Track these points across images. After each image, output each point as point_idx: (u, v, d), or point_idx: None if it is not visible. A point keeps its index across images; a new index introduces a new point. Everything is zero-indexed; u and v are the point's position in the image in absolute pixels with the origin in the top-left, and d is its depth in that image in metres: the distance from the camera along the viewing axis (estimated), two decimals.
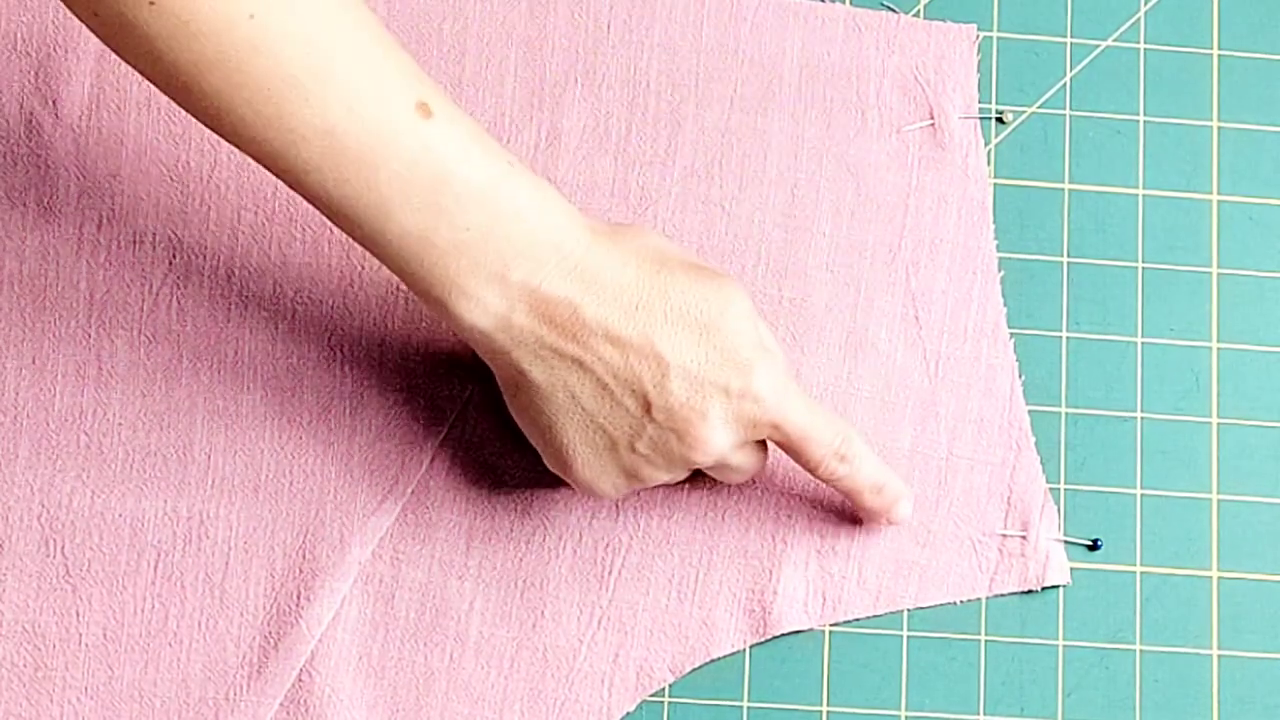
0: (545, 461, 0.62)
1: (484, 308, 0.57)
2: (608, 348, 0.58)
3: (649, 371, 0.58)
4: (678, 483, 0.65)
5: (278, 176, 0.56)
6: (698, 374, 0.58)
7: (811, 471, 0.62)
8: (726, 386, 0.58)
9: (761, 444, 0.62)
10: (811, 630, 0.66)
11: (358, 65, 0.54)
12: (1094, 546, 0.67)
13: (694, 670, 0.66)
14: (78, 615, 0.65)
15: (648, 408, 0.58)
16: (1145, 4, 0.71)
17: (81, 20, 0.54)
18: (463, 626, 0.65)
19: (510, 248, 0.56)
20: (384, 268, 0.66)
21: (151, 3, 0.51)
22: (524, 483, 0.66)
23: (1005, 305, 0.69)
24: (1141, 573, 0.67)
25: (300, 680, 0.65)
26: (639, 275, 0.58)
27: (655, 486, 0.64)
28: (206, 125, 0.55)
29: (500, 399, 0.66)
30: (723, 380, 0.58)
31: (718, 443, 0.59)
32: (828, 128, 0.69)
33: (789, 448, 0.61)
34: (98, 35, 0.54)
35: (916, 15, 0.70)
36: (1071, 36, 0.71)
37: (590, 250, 0.58)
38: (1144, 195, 0.70)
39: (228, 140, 0.55)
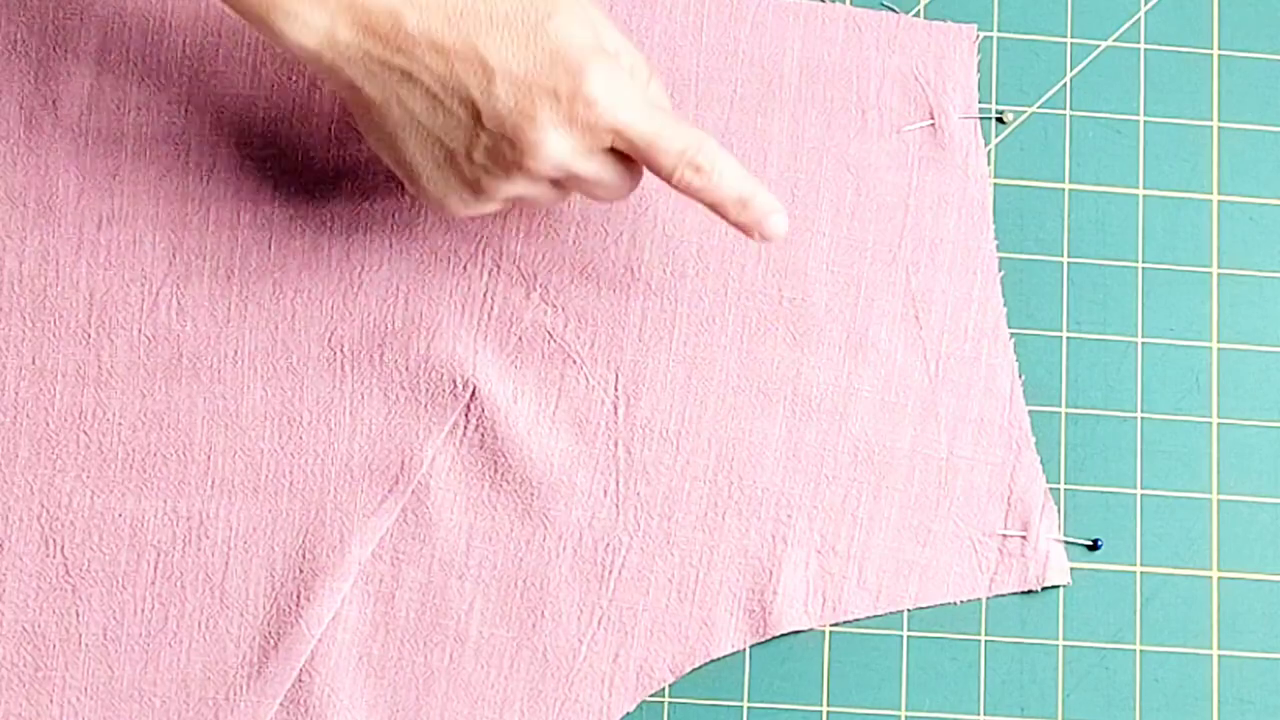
0: (403, 183, 0.61)
1: (306, 26, 0.56)
2: (433, 56, 0.57)
3: (474, 78, 0.57)
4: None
5: None
6: (524, 78, 0.56)
7: (666, 182, 0.59)
8: (555, 89, 0.57)
9: (623, 157, 0.59)
10: (811, 630, 0.66)
11: None
12: (1094, 546, 0.67)
13: (694, 670, 0.66)
14: (77, 615, 0.65)
15: (477, 116, 0.57)
16: (1145, 4, 0.71)
17: None
18: (463, 626, 0.65)
19: None
20: (384, 267, 0.66)
21: None
22: (524, 483, 0.66)
23: (1005, 305, 0.69)
24: (1141, 573, 0.67)
25: (300, 680, 0.64)
26: None
27: (513, 207, 0.63)
28: None
29: (500, 399, 0.66)
30: (550, 83, 0.57)
31: (552, 149, 0.57)
32: (828, 128, 0.69)
33: (638, 157, 0.58)
34: None
35: (916, 15, 0.70)
36: (1071, 36, 0.71)
37: None
38: (1144, 195, 0.70)
39: None
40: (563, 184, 0.60)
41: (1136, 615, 0.67)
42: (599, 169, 0.59)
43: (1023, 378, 0.68)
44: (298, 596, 0.65)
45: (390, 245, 0.67)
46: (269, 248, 0.67)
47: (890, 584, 0.66)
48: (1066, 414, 0.68)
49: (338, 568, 0.65)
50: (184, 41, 0.67)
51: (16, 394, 0.66)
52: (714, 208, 0.60)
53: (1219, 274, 0.69)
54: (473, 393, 0.66)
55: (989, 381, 0.68)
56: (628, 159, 0.59)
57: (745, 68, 0.69)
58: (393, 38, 0.56)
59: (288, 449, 0.66)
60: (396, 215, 0.67)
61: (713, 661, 0.66)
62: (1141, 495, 0.68)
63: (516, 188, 0.59)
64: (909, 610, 0.67)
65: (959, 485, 0.67)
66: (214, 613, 0.65)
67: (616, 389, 0.67)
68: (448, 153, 0.58)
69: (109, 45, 0.67)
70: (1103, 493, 0.68)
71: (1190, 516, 0.68)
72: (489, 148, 0.57)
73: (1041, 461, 0.68)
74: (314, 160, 0.67)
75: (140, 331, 0.66)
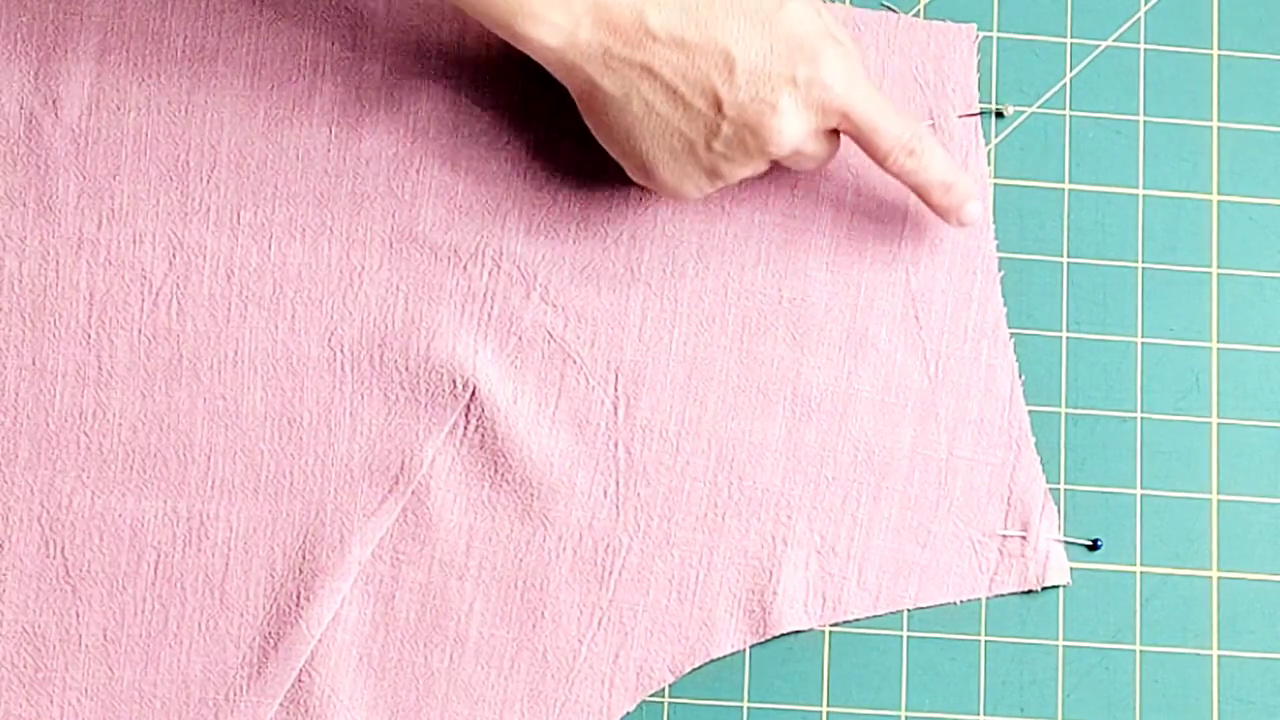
0: (628, 172, 0.63)
1: (551, 27, 0.58)
2: (674, 52, 0.59)
3: (716, 71, 0.59)
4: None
5: None
6: (764, 67, 0.59)
7: (880, 163, 0.63)
8: (794, 76, 0.59)
9: (834, 133, 0.63)
10: (811, 630, 0.66)
11: None
12: (1094, 546, 0.67)
13: (694, 670, 0.66)
14: (78, 616, 0.65)
15: (719, 106, 0.59)
16: (1145, 4, 0.71)
17: None
18: (463, 627, 0.65)
19: None
20: (384, 267, 0.66)
21: None
22: (524, 483, 0.66)
23: (1005, 305, 0.69)
24: (1141, 573, 0.67)
25: (300, 680, 0.65)
26: None
27: (738, 182, 0.65)
28: None
29: (500, 399, 0.66)
30: (789, 70, 0.59)
31: (791, 133, 0.60)
32: None
33: (858, 138, 0.62)
34: None
35: (916, 15, 0.70)
36: (1071, 36, 0.71)
37: None
38: (1144, 195, 0.70)
39: None
40: (781, 159, 0.63)
41: (1136, 615, 0.67)
42: (818, 146, 0.63)
43: (1023, 378, 0.68)
44: (298, 597, 0.65)
45: (390, 245, 0.67)
46: (269, 248, 0.67)
47: (890, 584, 0.66)
48: (1066, 414, 0.68)
49: (338, 568, 0.65)
50: (184, 41, 0.67)
51: (16, 394, 0.66)
52: (919, 189, 0.64)
53: (1219, 274, 0.69)
54: (473, 393, 0.66)
55: (989, 381, 0.68)
56: (835, 133, 0.63)
57: None
58: (634, 34, 0.59)
59: (288, 449, 0.66)
60: (396, 215, 0.67)
61: (713, 661, 0.66)
62: (1141, 495, 0.68)
63: (750, 169, 0.62)
64: (909, 610, 0.67)
65: (959, 485, 0.67)
66: (214, 613, 0.65)
67: (616, 389, 0.67)
68: (687, 143, 0.61)
69: (109, 45, 0.67)
70: (1103, 493, 0.68)
71: (1190, 516, 0.68)
72: (729, 136, 0.60)
73: (1041, 461, 0.68)
74: (314, 160, 0.67)
75: (140, 331, 0.66)
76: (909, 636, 0.67)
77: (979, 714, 0.66)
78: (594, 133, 0.63)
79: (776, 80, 0.59)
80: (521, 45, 0.60)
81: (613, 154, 0.63)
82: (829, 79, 0.60)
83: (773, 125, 0.60)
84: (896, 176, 0.63)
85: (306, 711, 0.64)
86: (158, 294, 0.66)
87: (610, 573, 0.66)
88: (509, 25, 0.59)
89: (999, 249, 0.69)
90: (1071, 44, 0.70)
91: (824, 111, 0.60)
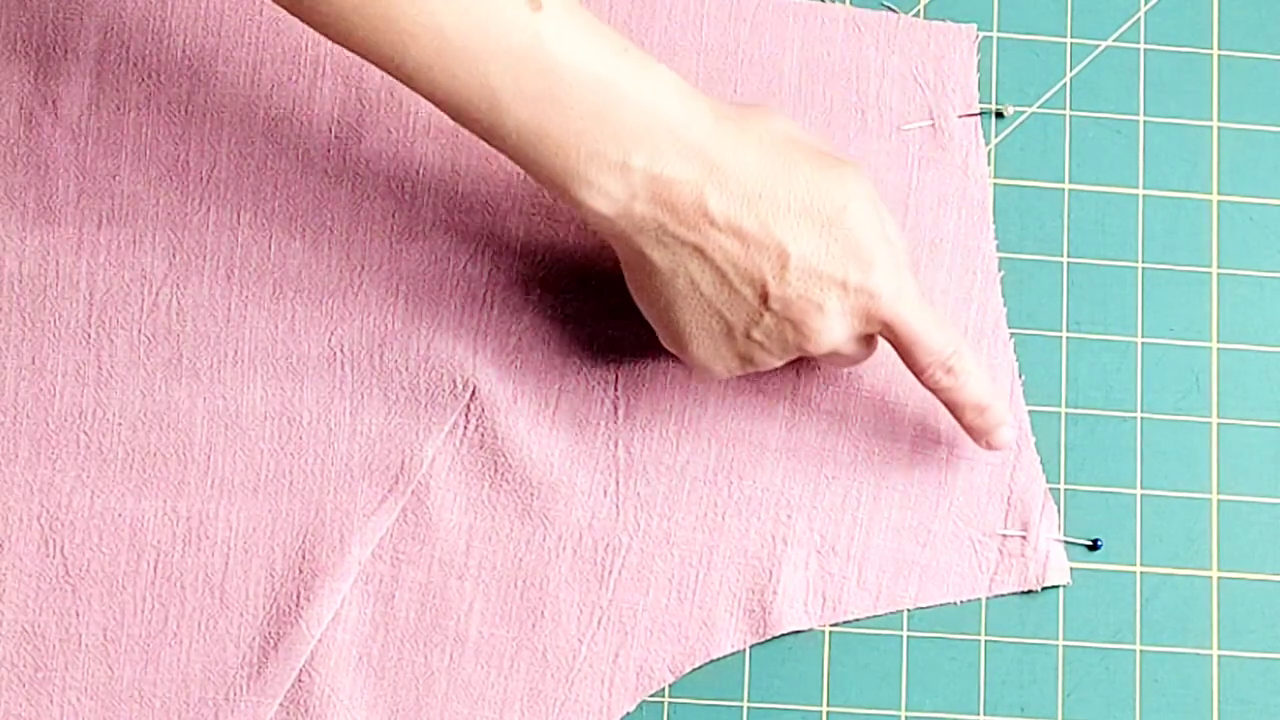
0: (661, 339, 0.62)
1: (606, 195, 0.57)
2: (729, 238, 0.58)
3: (769, 263, 0.58)
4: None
5: (392, 75, 0.56)
6: (817, 267, 0.58)
7: (916, 376, 0.62)
8: (845, 280, 0.59)
9: (872, 336, 0.62)
10: (811, 630, 0.66)
11: None
12: (1094, 546, 0.67)
13: (694, 670, 0.66)
14: (77, 616, 0.65)
15: (765, 298, 0.58)
16: (1145, 4, 0.71)
17: None
18: (463, 626, 0.65)
19: (628, 135, 0.56)
20: (384, 267, 0.66)
21: None
22: (524, 483, 0.66)
23: (1005, 305, 0.69)
24: (1141, 573, 0.67)
25: (300, 680, 0.64)
26: (761, 162, 0.58)
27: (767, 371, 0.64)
28: (318, 31, 0.56)
29: (500, 399, 0.66)
30: (841, 274, 0.58)
31: (833, 335, 0.59)
32: (828, 127, 0.69)
33: (898, 347, 0.61)
34: None
35: (916, 15, 0.70)
36: (1071, 36, 0.71)
37: (712, 135, 0.58)
38: (1144, 195, 0.70)
39: (339, 44, 0.56)
40: (816, 356, 0.62)
41: (1136, 615, 0.67)
42: (856, 348, 0.61)
43: (1023, 378, 0.68)
44: (298, 596, 0.65)
45: (390, 245, 0.67)
46: (269, 248, 0.67)
47: (890, 584, 0.66)
48: (1066, 414, 0.68)
49: (338, 568, 0.65)
50: (184, 41, 0.67)
51: (16, 394, 0.66)
52: (952, 406, 0.63)
53: (1219, 274, 0.69)
54: (473, 393, 0.66)
55: None
56: (872, 337, 0.62)
57: (745, 68, 0.69)
58: (692, 216, 0.58)
59: (288, 449, 0.66)
60: (396, 215, 0.67)
61: (713, 661, 0.66)
62: (1141, 495, 0.68)
63: (782, 361, 0.61)
64: (909, 610, 0.67)
65: (959, 485, 0.67)
66: (214, 613, 0.65)
67: (616, 389, 0.67)
68: (725, 326, 0.60)
69: (109, 45, 0.67)
70: (1103, 493, 0.68)
71: (1190, 516, 0.68)
72: (770, 328, 0.59)
73: (1041, 461, 0.68)
74: (314, 160, 0.67)
75: (140, 331, 0.66)
76: (909, 636, 0.67)
77: (979, 714, 0.66)
78: (633, 295, 0.62)
79: (827, 282, 0.58)
80: (574, 209, 0.58)
81: (648, 318, 0.62)
82: (878, 288, 0.59)
83: (815, 325, 0.59)
84: (931, 390, 0.62)
85: (306, 711, 0.64)
86: (158, 294, 0.66)
87: (610, 572, 0.66)
88: (564, 189, 0.57)
89: (999, 249, 0.69)
90: (1071, 44, 0.70)
91: (868, 319, 0.60)
